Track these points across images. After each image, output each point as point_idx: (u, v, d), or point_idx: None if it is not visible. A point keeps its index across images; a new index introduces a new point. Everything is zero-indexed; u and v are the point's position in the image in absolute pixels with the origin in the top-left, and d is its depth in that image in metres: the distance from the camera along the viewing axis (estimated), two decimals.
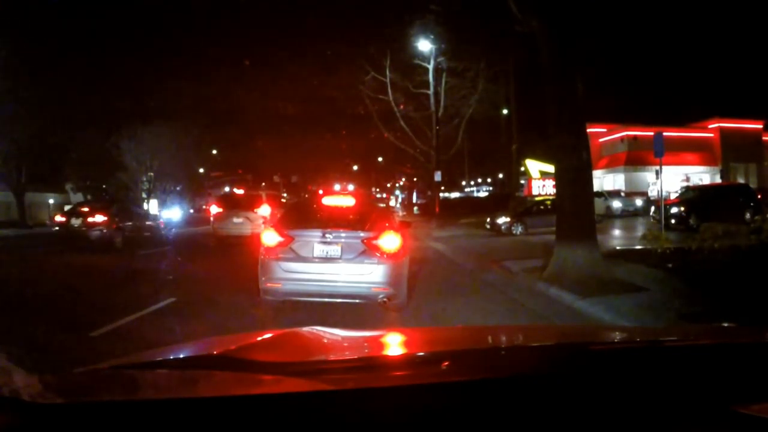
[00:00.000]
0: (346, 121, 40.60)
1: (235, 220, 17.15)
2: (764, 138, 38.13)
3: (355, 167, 74.24)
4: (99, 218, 16.70)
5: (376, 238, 6.23)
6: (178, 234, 23.44)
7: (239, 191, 28.41)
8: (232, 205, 18.17)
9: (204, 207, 56.88)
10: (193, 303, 7.33)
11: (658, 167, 13.28)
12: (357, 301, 6.33)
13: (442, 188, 40.75)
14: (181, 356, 1.66)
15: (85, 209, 17.74)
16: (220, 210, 17.87)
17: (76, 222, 17.15)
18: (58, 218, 20.56)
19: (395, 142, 31.18)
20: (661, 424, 1.13)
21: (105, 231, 16.49)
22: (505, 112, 32.22)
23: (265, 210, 17.41)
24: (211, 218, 18.46)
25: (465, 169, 58.17)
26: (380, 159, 61.99)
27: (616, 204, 28.62)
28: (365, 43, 26.91)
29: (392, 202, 62.61)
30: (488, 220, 22.68)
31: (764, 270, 7.73)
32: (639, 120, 36.14)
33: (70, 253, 14.17)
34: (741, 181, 33.35)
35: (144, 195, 55.23)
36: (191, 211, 55.76)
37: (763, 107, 39.32)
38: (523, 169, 36.13)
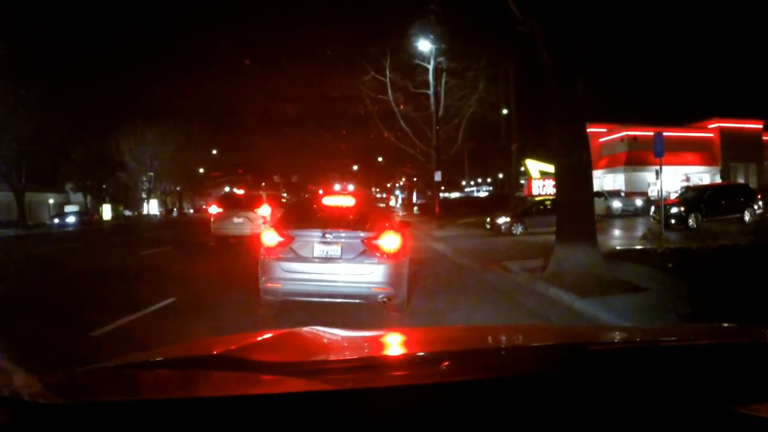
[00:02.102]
0: (346, 121, 40.57)
1: (236, 220, 17.12)
2: (764, 138, 38.10)
3: (355, 167, 74.10)
4: None
5: (376, 238, 6.22)
6: None
7: (239, 191, 28.43)
8: (232, 205, 18.11)
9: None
10: (193, 303, 7.33)
11: (658, 167, 13.25)
12: (357, 301, 6.33)
13: (442, 188, 40.70)
14: (181, 356, 1.66)
15: None
16: (220, 210, 17.84)
17: None
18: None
19: (395, 142, 31.11)
20: (661, 424, 1.13)
21: None
22: (505, 112, 32.15)
23: (265, 210, 17.37)
24: (212, 218, 18.47)
25: (465, 169, 58.08)
26: (380, 159, 61.87)
27: (616, 204, 28.58)
28: (365, 43, 26.91)
29: (392, 202, 62.53)
30: (488, 220, 22.66)
31: (764, 270, 7.72)
32: (639, 120, 36.14)
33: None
34: (741, 181, 33.33)
35: (144, 195, 55.25)
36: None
37: (763, 107, 39.41)
38: (523, 169, 36.07)
